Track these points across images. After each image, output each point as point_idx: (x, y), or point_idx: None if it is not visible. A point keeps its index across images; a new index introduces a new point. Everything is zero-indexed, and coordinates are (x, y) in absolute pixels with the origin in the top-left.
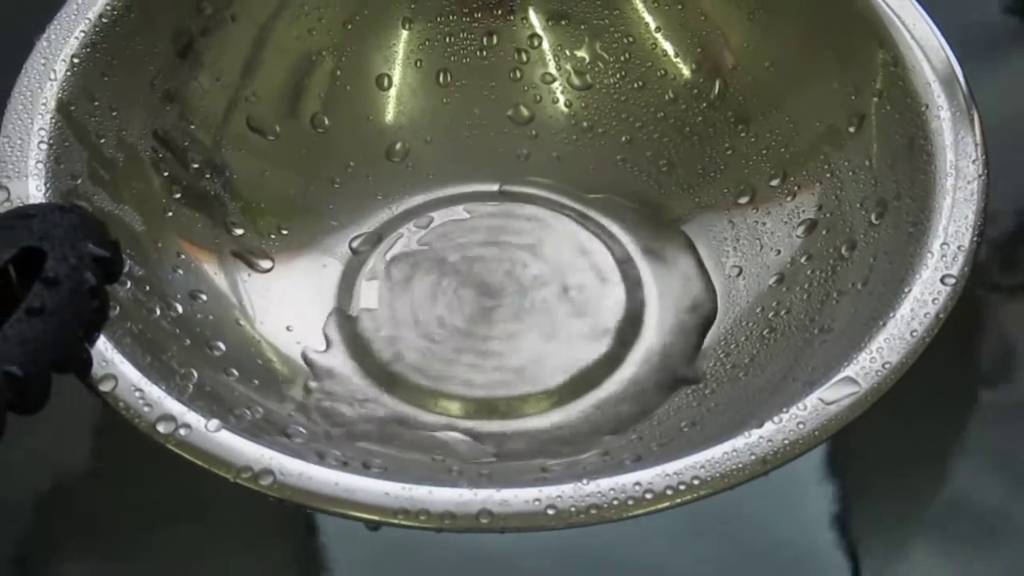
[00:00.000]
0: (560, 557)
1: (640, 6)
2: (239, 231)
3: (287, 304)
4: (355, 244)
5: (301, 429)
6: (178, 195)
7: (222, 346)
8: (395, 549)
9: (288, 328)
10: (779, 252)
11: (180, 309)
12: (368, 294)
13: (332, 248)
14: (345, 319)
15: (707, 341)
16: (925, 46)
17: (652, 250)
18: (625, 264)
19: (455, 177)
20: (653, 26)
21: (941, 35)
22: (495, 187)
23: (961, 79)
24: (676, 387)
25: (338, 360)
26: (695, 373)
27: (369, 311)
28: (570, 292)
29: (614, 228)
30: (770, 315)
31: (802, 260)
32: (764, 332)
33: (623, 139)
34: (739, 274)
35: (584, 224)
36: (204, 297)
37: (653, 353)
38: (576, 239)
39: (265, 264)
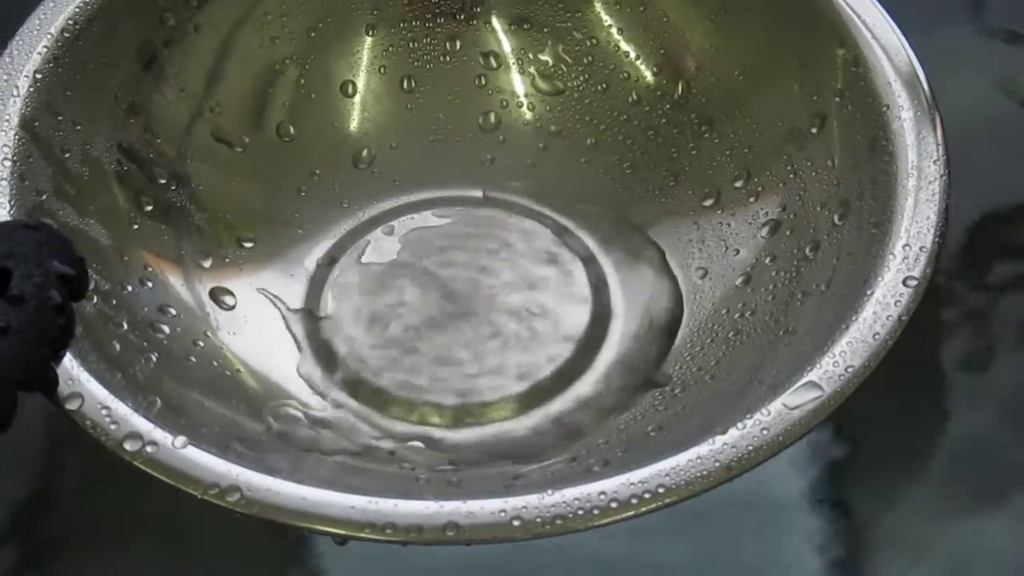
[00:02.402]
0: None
1: (601, 8)
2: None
3: (254, 314)
4: (321, 252)
5: (269, 440)
6: (143, 208)
7: (191, 359)
8: None
9: (255, 339)
10: (744, 253)
11: (147, 323)
12: (334, 302)
13: (298, 257)
14: (312, 327)
15: (674, 344)
16: (886, 46)
17: (618, 253)
18: (591, 267)
19: (421, 183)
20: (615, 28)
21: (902, 34)
22: (461, 192)
23: (922, 79)
24: (643, 390)
25: (305, 369)
26: (662, 376)
27: (335, 319)
28: (536, 296)
29: (579, 231)
30: (736, 316)
31: (767, 261)
32: (730, 335)
33: (588, 142)
34: (704, 276)
35: (550, 228)
36: (172, 310)
37: (620, 357)
38: (542, 243)
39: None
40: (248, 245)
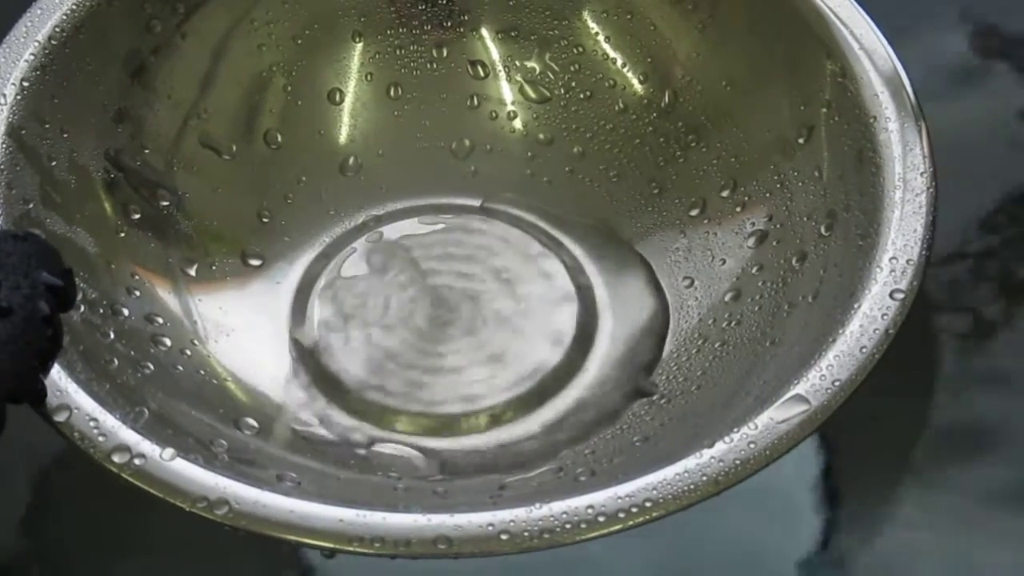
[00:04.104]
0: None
1: (589, 17)
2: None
3: (241, 322)
4: (308, 259)
5: (254, 450)
6: (130, 216)
7: (178, 368)
8: None
9: (242, 348)
10: (730, 263)
11: (135, 332)
12: (321, 310)
13: (285, 265)
14: (299, 336)
15: (660, 353)
16: (873, 57)
17: (605, 262)
18: (578, 275)
19: (408, 191)
20: (602, 36)
21: (890, 47)
22: (448, 200)
23: (909, 90)
24: (631, 400)
25: (291, 378)
26: (649, 386)
27: (322, 327)
28: (523, 305)
29: (566, 240)
30: (722, 326)
31: (753, 271)
32: (716, 345)
33: (575, 151)
34: (691, 285)
35: (536, 236)
36: (159, 319)
37: (607, 366)
38: (528, 251)
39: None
40: (234, 252)
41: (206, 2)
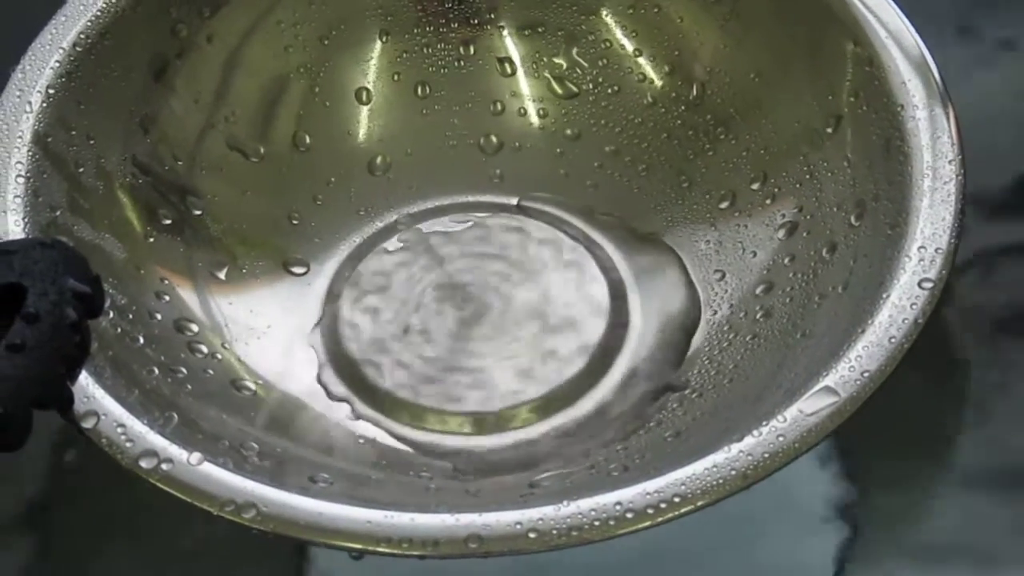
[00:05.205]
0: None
1: (615, 12)
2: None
3: (271, 325)
4: (338, 260)
5: (286, 453)
6: (158, 221)
7: (208, 372)
8: None
9: (272, 350)
10: (761, 255)
11: (164, 337)
12: (351, 311)
13: (316, 266)
14: (329, 336)
15: (692, 347)
16: (900, 43)
17: (635, 256)
18: (608, 272)
19: (437, 189)
20: (629, 31)
21: (916, 32)
22: (478, 198)
23: (937, 77)
24: (662, 394)
25: (322, 379)
26: (680, 380)
27: (352, 328)
28: (553, 302)
29: (596, 235)
30: (753, 319)
31: (784, 263)
32: (748, 338)
33: (603, 145)
34: (722, 278)
35: (566, 232)
36: (188, 324)
37: (639, 361)
38: (558, 247)
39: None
40: (265, 254)
41: (231, 4)
